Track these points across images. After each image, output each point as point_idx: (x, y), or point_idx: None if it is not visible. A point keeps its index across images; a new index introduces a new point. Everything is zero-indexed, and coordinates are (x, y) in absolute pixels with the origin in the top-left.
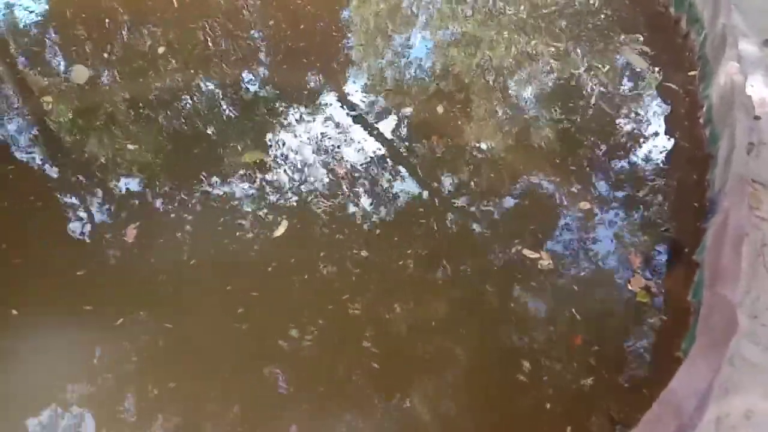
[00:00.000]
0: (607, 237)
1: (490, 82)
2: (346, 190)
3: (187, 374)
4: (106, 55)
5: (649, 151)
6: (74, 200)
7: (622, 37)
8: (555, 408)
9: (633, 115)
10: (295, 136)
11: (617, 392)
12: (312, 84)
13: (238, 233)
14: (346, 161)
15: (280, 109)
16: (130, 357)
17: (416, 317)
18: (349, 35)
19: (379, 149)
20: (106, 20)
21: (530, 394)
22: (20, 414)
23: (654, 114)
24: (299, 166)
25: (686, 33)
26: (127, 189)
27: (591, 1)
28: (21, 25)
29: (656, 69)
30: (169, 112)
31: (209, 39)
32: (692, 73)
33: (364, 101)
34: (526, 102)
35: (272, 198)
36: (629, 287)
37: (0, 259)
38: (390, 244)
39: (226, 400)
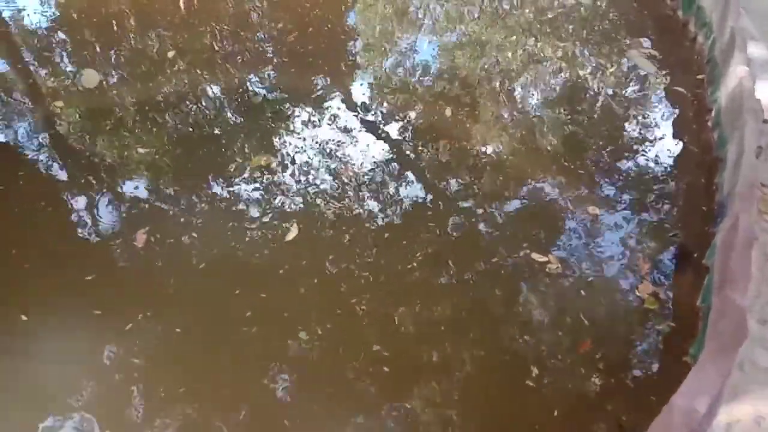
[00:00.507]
0: (616, 241)
1: (497, 85)
2: (354, 194)
3: (196, 378)
4: (115, 59)
5: (657, 155)
6: (84, 205)
7: (630, 40)
8: (563, 413)
9: (641, 118)
10: (303, 139)
11: (625, 398)
12: (319, 87)
13: (247, 237)
14: (354, 164)
15: (288, 112)
16: (140, 361)
17: (425, 321)
18: (356, 38)
19: (387, 152)
20: (115, 25)
21: (538, 400)
22: (30, 418)
23: (662, 117)
24: (307, 169)
25: (694, 36)
26: (137, 193)
27: (598, 4)
28: (31, 31)
29: (664, 72)
30: (178, 116)
31: (217, 43)
32: (700, 76)
33: (371, 104)
34: (533, 105)
35: (281, 201)
36: (637, 293)
37: (10, 264)
38: (398, 248)
39: (235, 403)
